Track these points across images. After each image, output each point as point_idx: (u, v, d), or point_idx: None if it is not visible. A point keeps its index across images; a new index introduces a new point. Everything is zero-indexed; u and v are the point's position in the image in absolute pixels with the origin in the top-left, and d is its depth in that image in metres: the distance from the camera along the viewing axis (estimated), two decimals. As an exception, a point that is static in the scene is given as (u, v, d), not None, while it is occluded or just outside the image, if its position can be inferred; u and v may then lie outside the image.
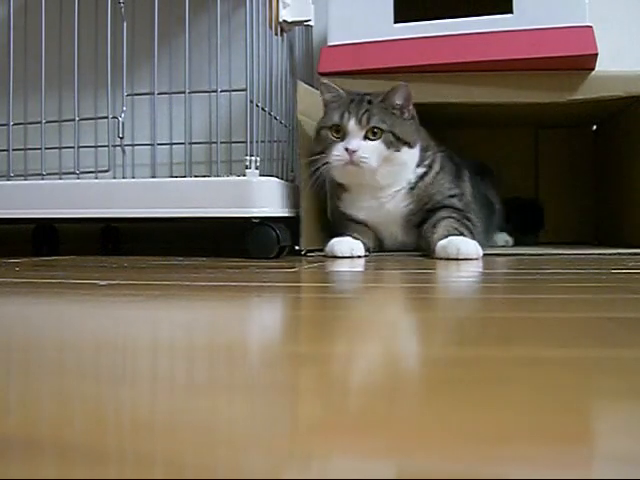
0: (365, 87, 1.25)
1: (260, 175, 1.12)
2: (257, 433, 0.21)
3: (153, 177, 1.23)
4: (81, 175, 1.26)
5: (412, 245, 1.21)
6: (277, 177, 1.19)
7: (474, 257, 1.03)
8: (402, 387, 0.27)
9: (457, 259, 1.02)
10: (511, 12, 1.23)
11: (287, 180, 1.26)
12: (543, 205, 1.61)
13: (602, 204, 1.59)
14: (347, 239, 1.14)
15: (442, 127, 1.32)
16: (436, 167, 1.22)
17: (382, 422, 0.22)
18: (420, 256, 1.13)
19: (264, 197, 1.10)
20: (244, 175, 1.11)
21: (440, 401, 0.25)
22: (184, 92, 1.21)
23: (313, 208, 1.25)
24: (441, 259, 1.04)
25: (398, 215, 1.20)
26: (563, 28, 1.20)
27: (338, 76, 1.28)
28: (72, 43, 1.23)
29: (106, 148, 1.26)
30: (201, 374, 0.30)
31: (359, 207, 1.21)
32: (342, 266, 0.96)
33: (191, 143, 1.27)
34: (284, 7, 1.27)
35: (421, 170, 1.20)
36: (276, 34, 1.27)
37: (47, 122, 1.28)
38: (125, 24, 1.23)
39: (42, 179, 1.26)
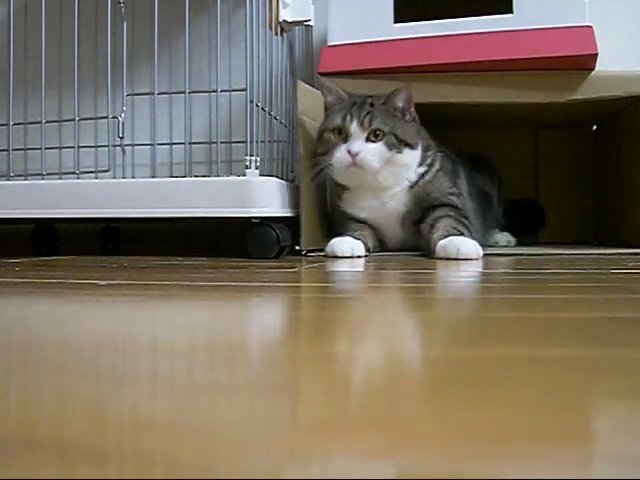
0: (365, 87, 1.25)
1: (260, 175, 1.12)
2: (257, 433, 0.21)
3: (153, 177, 1.23)
4: (81, 175, 1.26)
5: (412, 243, 1.21)
6: (277, 177, 1.19)
7: (474, 257, 1.03)
8: (402, 387, 0.27)
9: (457, 259, 1.02)
10: (511, 12, 1.23)
11: (287, 180, 1.26)
12: (544, 205, 1.62)
13: (602, 204, 1.59)
14: (347, 239, 1.14)
15: (442, 127, 1.32)
16: (437, 165, 1.22)
17: (382, 422, 0.22)
18: (420, 256, 1.13)
19: (264, 197, 1.10)
20: (244, 175, 1.11)
21: (440, 401, 0.25)
22: (184, 92, 1.21)
23: (313, 208, 1.25)
24: (441, 259, 1.04)
25: (398, 213, 1.20)
26: (563, 28, 1.20)
27: (338, 76, 1.28)
28: (72, 43, 1.23)
29: (106, 148, 1.26)
30: (201, 374, 0.30)
31: (360, 207, 1.21)
32: (342, 266, 0.96)
33: (191, 143, 1.27)
34: (284, 7, 1.27)
35: (422, 169, 1.21)
36: (276, 34, 1.27)
37: (47, 122, 1.28)
38: (125, 24, 1.23)
39: (42, 179, 1.26)
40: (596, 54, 1.19)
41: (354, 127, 1.14)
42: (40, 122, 1.27)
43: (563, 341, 0.37)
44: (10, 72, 1.25)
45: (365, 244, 1.15)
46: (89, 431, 0.21)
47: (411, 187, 1.19)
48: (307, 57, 1.49)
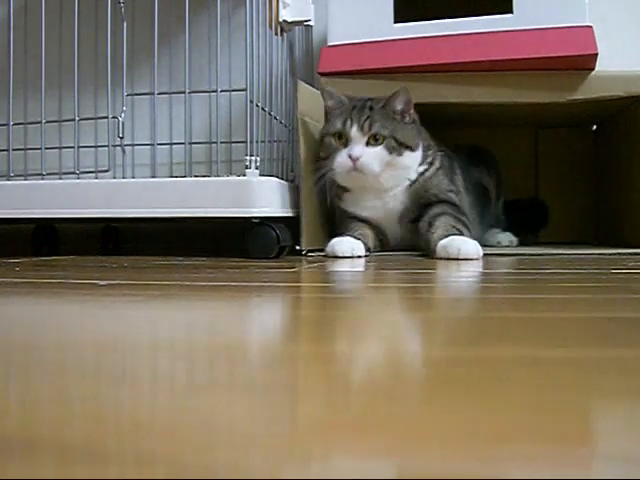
0: (365, 87, 1.25)
1: (260, 175, 1.12)
2: (257, 433, 0.21)
3: (153, 177, 1.23)
4: (81, 175, 1.26)
5: (411, 241, 1.22)
6: (277, 177, 1.19)
7: (474, 257, 1.03)
8: (402, 387, 0.27)
9: (457, 259, 1.02)
10: (511, 12, 1.23)
11: (287, 180, 1.26)
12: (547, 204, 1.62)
13: (602, 204, 1.59)
14: (347, 239, 1.14)
15: (442, 127, 1.32)
16: (437, 164, 1.24)
17: (382, 422, 0.22)
18: (420, 256, 1.13)
19: (264, 197, 1.10)
20: (244, 175, 1.11)
21: (440, 401, 0.25)
22: (184, 92, 1.21)
23: (313, 208, 1.25)
24: (441, 259, 1.04)
25: (398, 211, 1.21)
26: (563, 28, 1.20)
27: (338, 76, 1.28)
28: (72, 43, 1.23)
29: (106, 148, 1.26)
30: (201, 374, 0.30)
31: (362, 206, 1.22)
32: (342, 266, 0.96)
33: (191, 143, 1.27)
34: (284, 7, 1.27)
35: (423, 168, 1.22)
36: (276, 34, 1.27)
37: (47, 122, 1.28)
38: (125, 24, 1.23)
39: (42, 179, 1.26)
40: (596, 54, 1.19)
41: (354, 131, 1.15)
42: (40, 122, 1.27)
43: (563, 341, 0.37)
44: (10, 72, 1.25)
45: (365, 244, 1.16)
46: (89, 431, 0.21)
47: (410, 185, 1.20)
48: (307, 57, 1.49)
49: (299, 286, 0.72)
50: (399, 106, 1.17)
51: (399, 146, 1.16)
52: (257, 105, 1.17)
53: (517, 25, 1.22)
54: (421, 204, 1.19)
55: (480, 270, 0.90)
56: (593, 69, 1.24)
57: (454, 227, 1.10)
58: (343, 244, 1.13)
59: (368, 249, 1.17)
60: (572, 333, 0.39)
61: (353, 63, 1.28)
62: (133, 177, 1.40)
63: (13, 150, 1.27)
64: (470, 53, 1.23)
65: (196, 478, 0.17)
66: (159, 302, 0.55)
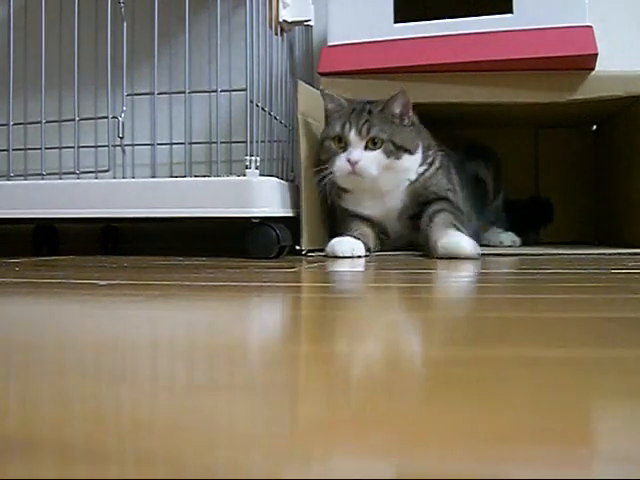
0: (365, 87, 1.25)
1: (260, 175, 1.12)
2: (257, 433, 0.21)
3: (153, 177, 1.23)
4: (81, 175, 1.26)
5: (410, 238, 1.23)
6: (277, 177, 1.19)
7: (475, 257, 1.03)
8: (402, 387, 0.27)
9: (457, 258, 1.03)
10: (511, 12, 1.23)
11: (287, 180, 1.26)
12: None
13: (602, 204, 1.59)
14: (347, 239, 1.15)
15: (442, 127, 1.32)
16: (436, 164, 1.24)
17: (382, 422, 0.22)
18: (420, 256, 1.13)
19: (264, 197, 1.10)
20: (244, 175, 1.11)
21: (440, 401, 0.25)
22: (184, 92, 1.21)
23: (313, 208, 1.25)
24: (441, 258, 1.04)
25: (398, 209, 1.22)
26: (563, 28, 1.20)
27: (338, 76, 1.28)
28: (72, 43, 1.23)
29: (106, 148, 1.26)
30: (201, 374, 0.30)
31: (363, 205, 1.23)
32: (342, 266, 0.96)
33: (191, 143, 1.27)
34: (284, 7, 1.27)
35: (423, 168, 1.22)
36: (276, 34, 1.27)
37: (47, 122, 1.28)
38: (125, 24, 1.23)
39: (42, 179, 1.26)
40: (596, 54, 1.19)
41: (353, 135, 1.15)
42: (40, 122, 1.27)
43: (563, 341, 0.37)
44: (10, 72, 1.25)
45: (365, 244, 1.16)
46: (89, 431, 0.21)
47: (410, 184, 1.21)
48: (307, 57, 1.49)
49: (299, 286, 0.72)
50: (397, 109, 1.17)
51: (397, 150, 1.16)
52: (257, 105, 1.17)
53: (517, 25, 1.22)
54: (420, 202, 1.20)
55: (480, 270, 0.90)
56: (593, 69, 1.24)
57: (453, 224, 1.11)
58: (343, 244, 1.13)
59: (368, 249, 1.17)
60: (572, 333, 0.39)
61: (353, 63, 1.28)
62: (133, 177, 1.40)
63: (13, 150, 1.27)
64: (470, 53, 1.23)
65: (196, 478, 0.17)
66: (159, 302, 0.55)
